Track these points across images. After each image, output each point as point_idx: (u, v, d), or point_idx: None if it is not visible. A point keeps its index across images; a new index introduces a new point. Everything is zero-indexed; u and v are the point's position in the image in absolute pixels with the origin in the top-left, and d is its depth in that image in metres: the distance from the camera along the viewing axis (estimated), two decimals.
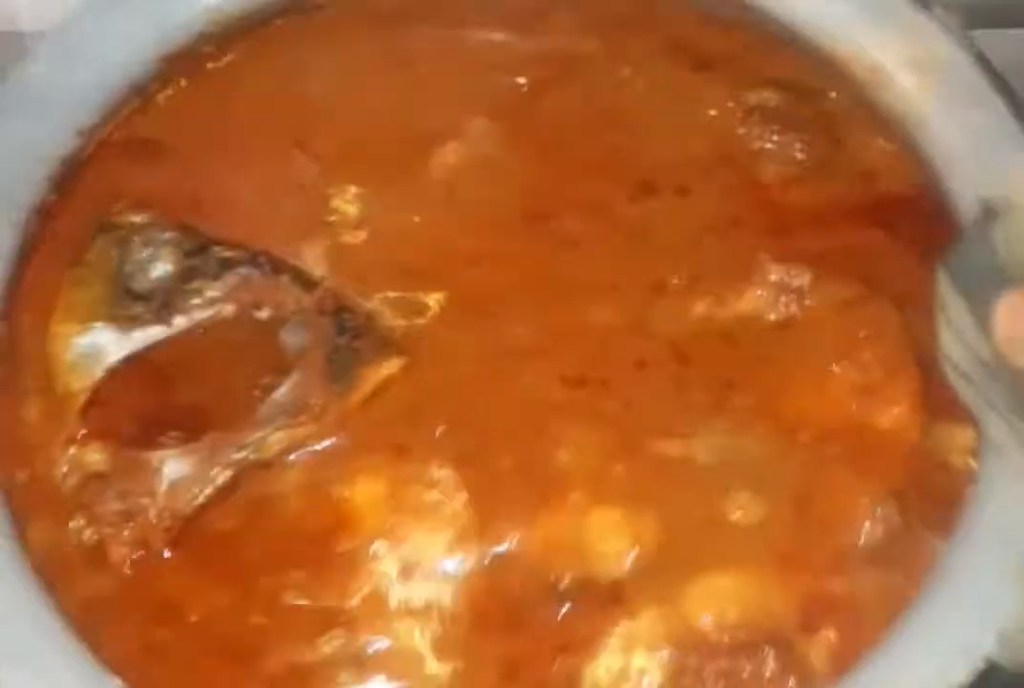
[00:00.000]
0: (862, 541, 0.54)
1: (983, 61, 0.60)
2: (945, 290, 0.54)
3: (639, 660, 0.52)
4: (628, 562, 0.54)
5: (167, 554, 0.54)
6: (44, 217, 0.59)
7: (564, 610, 0.53)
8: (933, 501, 0.55)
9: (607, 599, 0.53)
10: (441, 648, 0.53)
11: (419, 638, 0.53)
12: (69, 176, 0.60)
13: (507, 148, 0.62)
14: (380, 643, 0.53)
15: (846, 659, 0.52)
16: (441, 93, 0.63)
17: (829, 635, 0.53)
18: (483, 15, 0.64)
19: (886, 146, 0.62)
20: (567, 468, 0.55)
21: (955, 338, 0.53)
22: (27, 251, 0.59)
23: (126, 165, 0.61)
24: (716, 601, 0.53)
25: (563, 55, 0.64)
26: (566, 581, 0.53)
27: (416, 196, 0.60)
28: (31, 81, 0.60)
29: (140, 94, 0.62)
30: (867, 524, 0.54)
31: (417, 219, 0.60)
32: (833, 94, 0.63)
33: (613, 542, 0.54)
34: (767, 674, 0.52)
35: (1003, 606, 0.50)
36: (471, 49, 0.64)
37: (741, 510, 0.55)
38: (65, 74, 0.60)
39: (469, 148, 0.62)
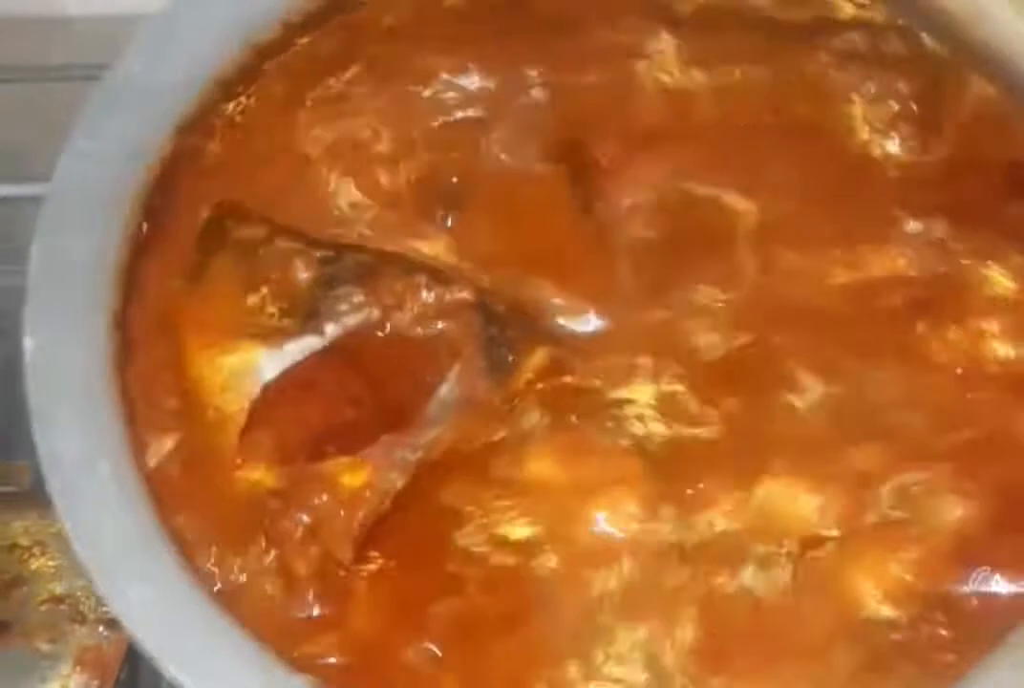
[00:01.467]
0: None
1: None
2: None
3: None
4: None
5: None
6: (154, 221, 0.58)
7: None
8: None
9: None
10: None
11: None
12: (172, 178, 0.59)
13: None
14: None
15: None
16: None
17: None
18: None
19: (987, 88, 0.61)
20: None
21: None
22: (141, 258, 0.58)
23: (227, 168, 0.60)
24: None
25: None
26: None
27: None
28: (128, 79, 0.58)
29: (230, 91, 0.60)
30: None
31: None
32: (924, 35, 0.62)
33: None
34: None
35: None
36: None
37: None
38: (159, 71, 0.58)
39: None
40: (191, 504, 0.54)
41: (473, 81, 0.61)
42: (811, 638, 0.53)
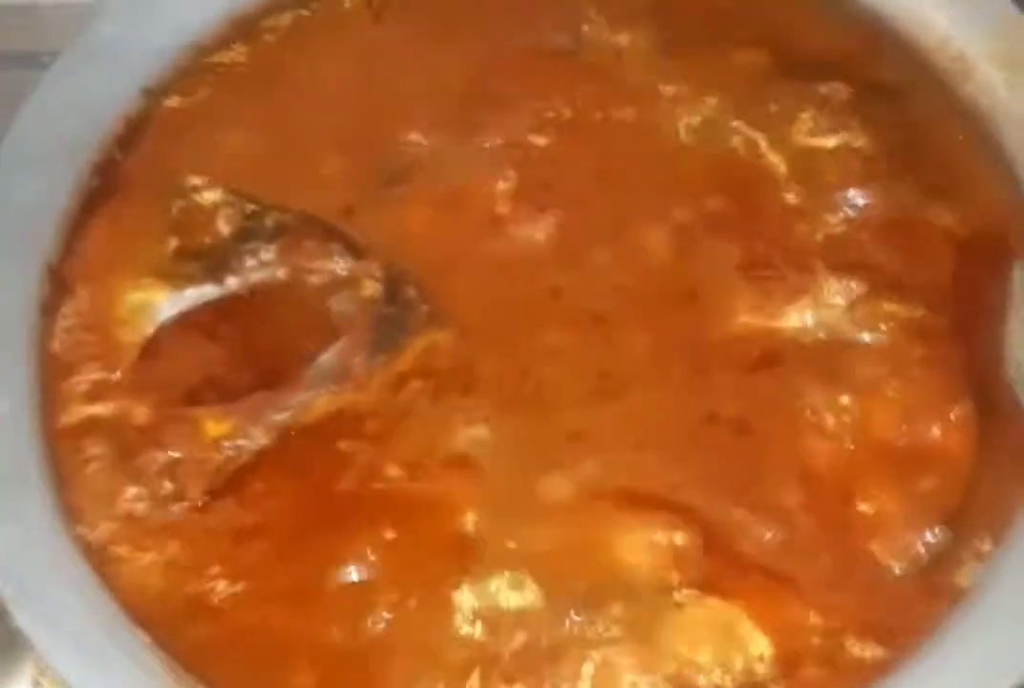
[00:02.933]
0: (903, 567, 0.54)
1: None
2: (1021, 288, 0.53)
3: None
4: None
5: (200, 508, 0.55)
6: (106, 175, 0.60)
7: None
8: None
9: None
10: None
11: None
12: (133, 136, 0.61)
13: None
14: None
15: None
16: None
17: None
18: None
19: (965, 146, 0.61)
20: None
21: None
22: (88, 207, 0.60)
23: (187, 130, 0.62)
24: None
25: None
26: None
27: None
28: (100, 39, 0.61)
29: (205, 57, 0.63)
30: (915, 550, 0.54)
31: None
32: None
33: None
34: None
35: None
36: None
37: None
38: (134, 33, 0.61)
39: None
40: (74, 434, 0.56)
41: None
42: None
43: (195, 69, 0.62)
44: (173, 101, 0.62)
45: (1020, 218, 0.59)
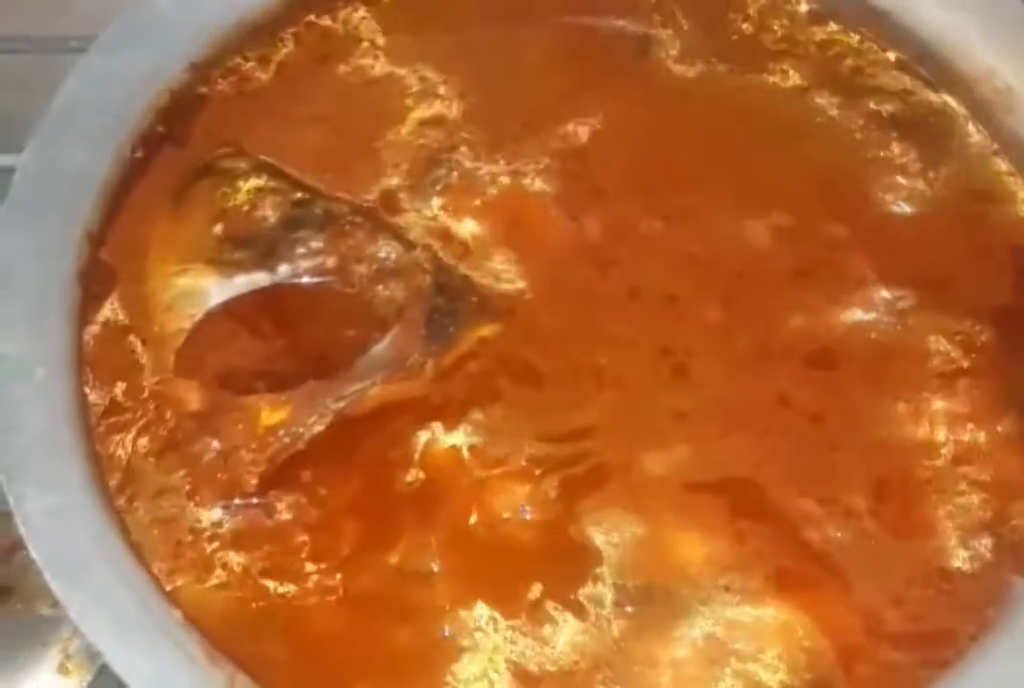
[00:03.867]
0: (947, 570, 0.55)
1: None
2: None
3: None
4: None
5: (255, 500, 0.55)
6: (149, 148, 0.60)
7: None
8: None
9: None
10: None
11: None
12: (179, 111, 0.60)
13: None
14: None
15: None
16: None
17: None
18: None
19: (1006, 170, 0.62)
20: None
21: None
22: (129, 181, 0.59)
23: (237, 111, 0.61)
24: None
25: None
26: None
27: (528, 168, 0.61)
28: (151, 12, 0.60)
29: (259, 38, 0.62)
30: (960, 553, 0.55)
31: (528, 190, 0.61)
32: (953, 105, 0.63)
33: None
34: None
35: None
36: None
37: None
38: (186, 8, 0.60)
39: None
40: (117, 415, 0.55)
41: None
42: None
43: (247, 48, 0.62)
44: (225, 80, 0.61)
45: None
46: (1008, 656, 0.53)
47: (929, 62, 0.63)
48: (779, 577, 0.54)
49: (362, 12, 0.64)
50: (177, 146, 0.60)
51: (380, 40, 0.63)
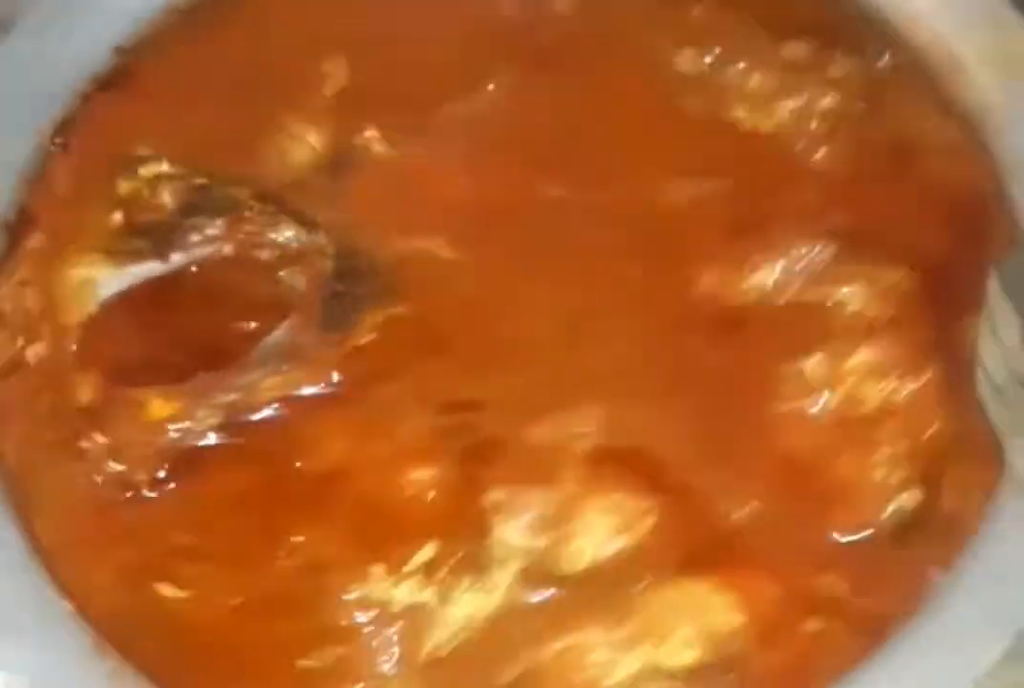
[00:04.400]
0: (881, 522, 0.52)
1: None
2: (996, 297, 0.51)
3: None
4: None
5: (149, 494, 0.53)
6: (67, 135, 0.59)
7: None
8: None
9: None
10: None
11: None
12: (97, 95, 0.59)
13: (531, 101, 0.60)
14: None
15: None
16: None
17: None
18: None
19: (945, 129, 0.59)
20: None
21: (996, 348, 0.51)
22: (43, 169, 0.58)
23: (150, 96, 0.60)
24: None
25: None
26: None
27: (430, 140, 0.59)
28: None
29: (180, 18, 0.61)
30: (890, 506, 0.52)
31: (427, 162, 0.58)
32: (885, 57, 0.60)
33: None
34: None
35: None
36: None
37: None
38: None
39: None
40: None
41: None
42: None
43: (169, 31, 0.61)
44: (143, 64, 0.60)
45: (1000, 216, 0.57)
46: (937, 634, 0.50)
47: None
48: (690, 553, 0.52)
49: None
50: (91, 133, 0.59)
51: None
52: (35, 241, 0.57)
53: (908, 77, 0.60)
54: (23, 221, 0.58)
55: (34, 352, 0.55)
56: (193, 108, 0.59)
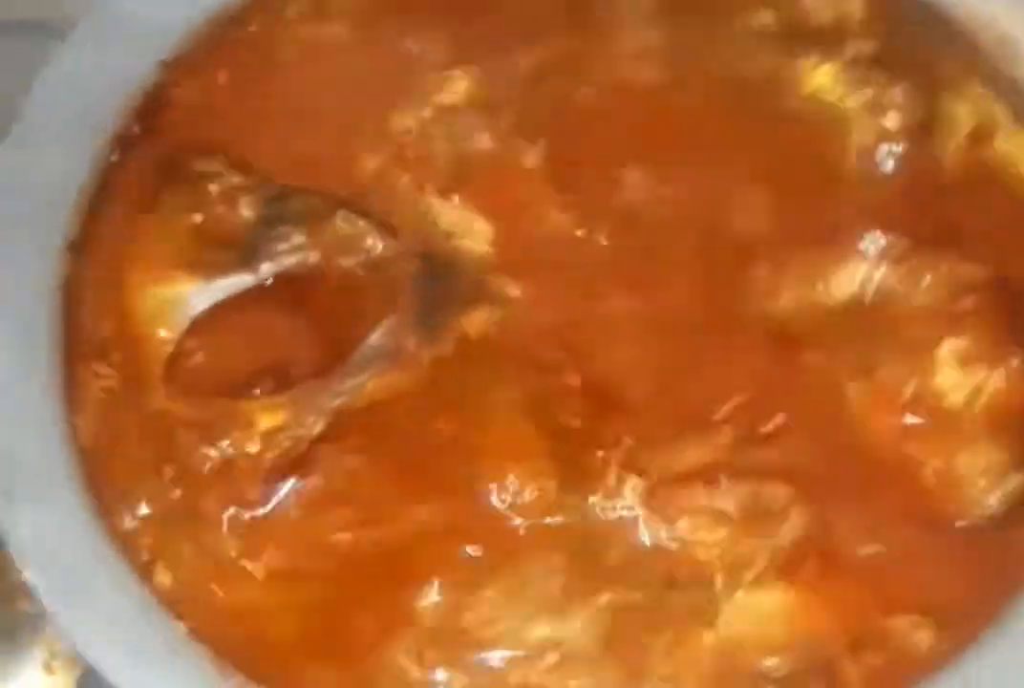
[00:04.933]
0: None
1: None
2: None
3: None
4: None
5: (260, 510, 0.53)
6: (123, 150, 0.58)
7: None
8: None
9: None
10: None
11: None
12: (151, 110, 0.58)
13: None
14: None
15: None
16: None
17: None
18: None
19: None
20: None
21: None
22: (106, 186, 0.57)
23: (206, 109, 0.59)
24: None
25: None
26: None
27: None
28: (118, 9, 0.58)
29: (223, 33, 0.60)
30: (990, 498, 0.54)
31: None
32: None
33: None
34: None
35: None
36: None
37: None
38: (153, 5, 0.58)
39: None
40: (107, 431, 0.54)
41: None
42: None
43: (217, 44, 0.59)
44: (194, 78, 0.59)
45: None
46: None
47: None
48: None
49: None
50: (150, 147, 0.58)
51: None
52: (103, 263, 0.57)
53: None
54: (87, 240, 0.57)
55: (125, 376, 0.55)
56: (259, 119, 0.58)
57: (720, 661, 0.52)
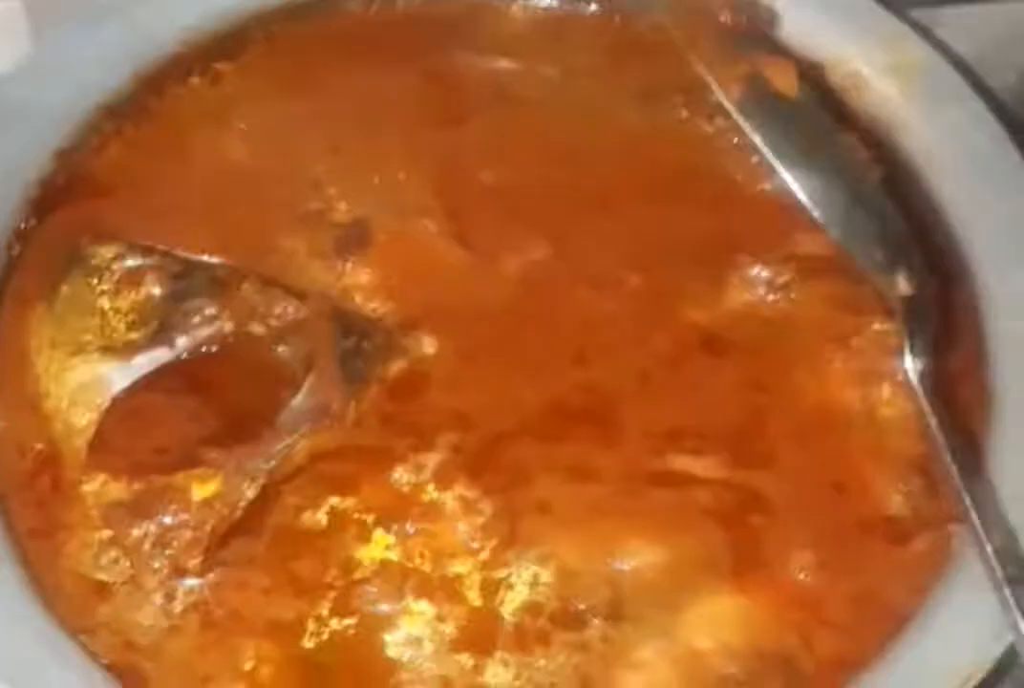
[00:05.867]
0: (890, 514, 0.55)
1: (959, 62, 0.64)
2: None
3: None
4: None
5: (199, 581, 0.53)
6: (23, 243, 0.58)
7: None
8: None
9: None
10: None
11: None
12: (46, 202, 0.59)
13: None
14: None
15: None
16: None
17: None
18: None
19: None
20: None
21: None
22: (5, 282, 0.57)
23: (101, 195, 0.60)
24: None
25: None
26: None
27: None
28: (8, 103, 0.58)
29: (113, 117, 0.61)
30: (896, 498, 0.56)
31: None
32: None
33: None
34: None
35: None
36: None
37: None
38: (42, 94, 0.59)
39: None
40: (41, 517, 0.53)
41: None
42: None
43: (108, 130, 0.61)
44: (89, 164, 0.60)
45: None
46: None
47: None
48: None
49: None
50: (47, 238, 0.58)
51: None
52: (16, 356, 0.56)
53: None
54: None
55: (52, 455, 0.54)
56: (152, 202, 0.59)
57: (684, 671, 0.52)
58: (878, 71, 0.63)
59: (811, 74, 0.63)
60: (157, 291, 0.56)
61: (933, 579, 0.54)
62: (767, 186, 0.62)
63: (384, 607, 0.53)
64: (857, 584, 0.54)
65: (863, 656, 0.52)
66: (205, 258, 0.58)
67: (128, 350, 0.55)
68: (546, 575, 0.53)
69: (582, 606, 0.53)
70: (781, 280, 0.60)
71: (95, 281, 0.56)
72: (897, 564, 0.54)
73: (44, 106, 0.59)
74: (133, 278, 0.56)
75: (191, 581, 0.52)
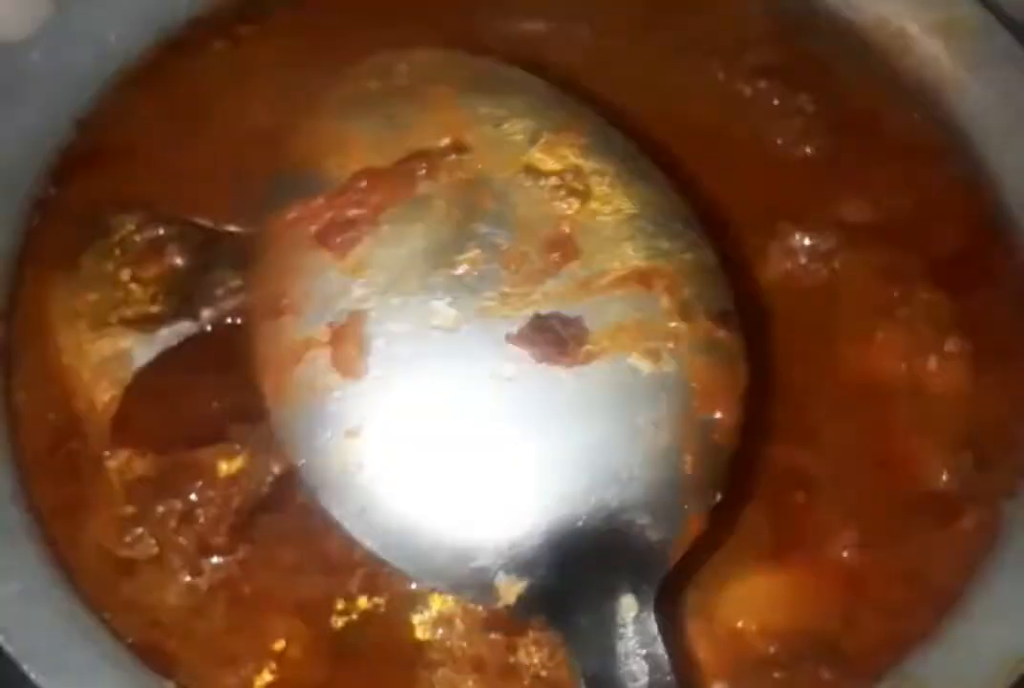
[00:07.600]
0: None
1: (1009, 20, 0.61)
2: None
3: None
4: None
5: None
6: (43, 213, 0.57)
7: None
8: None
9: None
10: None
11: None
12: (67, 170, 0.57)
13: None
14: None
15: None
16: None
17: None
18: None
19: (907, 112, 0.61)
20: None
21: None
22: (26, 251, 0.56)
23: (121, 164, 0.58)
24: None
25: None
26: None
27: None
28: (28, 69, 0.57)
29: (135, 84, 0.59)
30: (943, 473, 0.54)
31: None
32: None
33: None
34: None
35: None
36: None
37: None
38: (62, 60, 0.57)
39: None
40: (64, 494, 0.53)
41: None
42: None
43: (129, 97, 0.59)
44: (108, 133, 0.58)
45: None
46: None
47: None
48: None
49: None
50: (68, 207, 0.57)
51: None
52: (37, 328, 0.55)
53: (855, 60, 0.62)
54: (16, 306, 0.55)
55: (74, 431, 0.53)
56: (173, 167, 0.58)
57: (724, 652, 0.51)
58: (925, 29, 0.61)
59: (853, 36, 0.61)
60: (180, 262, 0.55)
61: (982, 558, 0.52)
62: (809, 150, 0.60)
63: (414, 585, 0.52)
64: (902, 563, 0.53)
65: (908, 637, 0.51)
66: (229, 227, 0.56)
67: (151, 323, 0.54)
68: None
69: None
70: (824, 248, 0.58)
71: (117, 252, 0.55)
72: (944, 542, 0.53)
73: (64, 72, 0.57)
74: (156, 248, 0.55)
75: (217, 559, 0.51)
